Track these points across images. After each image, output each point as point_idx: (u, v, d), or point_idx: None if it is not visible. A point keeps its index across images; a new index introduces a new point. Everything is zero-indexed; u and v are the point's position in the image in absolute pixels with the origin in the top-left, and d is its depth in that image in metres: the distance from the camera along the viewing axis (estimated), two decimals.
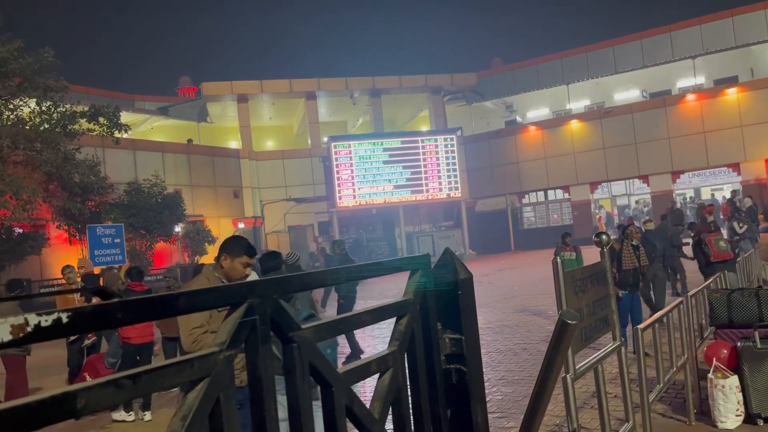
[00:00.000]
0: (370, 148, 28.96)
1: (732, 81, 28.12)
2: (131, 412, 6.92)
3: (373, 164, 28.84)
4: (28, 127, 18.16)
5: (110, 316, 0.84)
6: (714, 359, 5.09)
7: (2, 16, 17.44)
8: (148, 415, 6.93)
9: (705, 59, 28.49)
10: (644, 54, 32.41)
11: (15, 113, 18.28)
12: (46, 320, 0.76)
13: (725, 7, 31.21)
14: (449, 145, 29.58)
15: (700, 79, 30.01)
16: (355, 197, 28.59)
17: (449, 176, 29.56)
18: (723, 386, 4.88)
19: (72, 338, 7.88)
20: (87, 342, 8.41)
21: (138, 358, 7.03)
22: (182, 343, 3.59)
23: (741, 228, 14.78)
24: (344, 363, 8.79)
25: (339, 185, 28.35)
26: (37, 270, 19.92)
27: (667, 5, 66.93)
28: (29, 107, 18.68)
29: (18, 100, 18.30)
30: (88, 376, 7.47)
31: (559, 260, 3.34)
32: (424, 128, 34.33)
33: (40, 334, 0.76)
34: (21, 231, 19.25)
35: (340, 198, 28.33)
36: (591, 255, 12.94)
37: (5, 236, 18.48)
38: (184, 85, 40.31)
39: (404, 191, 29.06)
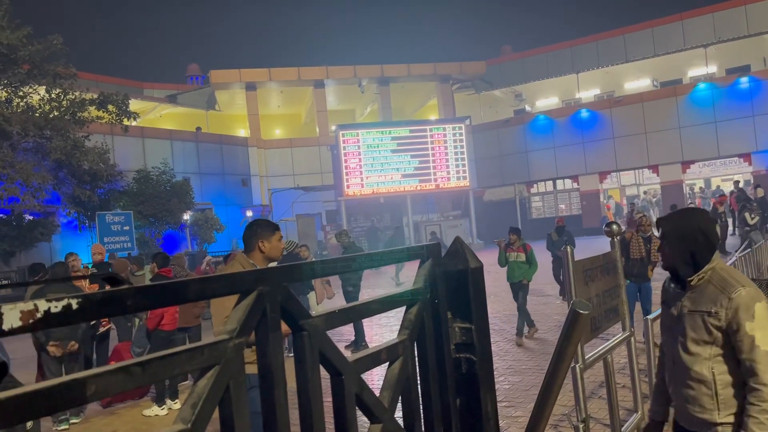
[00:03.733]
0: (379, 137, 28.86)
1: (744, 70, 27.78)
2: (164, 407, 6.72)
3: (381, 153, 28.74)
4: (37, 115, 18.25)
5: (121, 302, 0.84)
6: None
7: (10, 2, 17.46)
8: (177, 404, 6.76)
9: (717, 48, 28.16)
10: (655, 42, 32.09)
11: (25, 100, 18.37)
12: (56, 306, 0.75)
13: None
14: (458, 134, 29.42)
15: (712, 68, 29.70)
16: (363, 186, 28.53)
17: (457, 165, 29.42)
18: None
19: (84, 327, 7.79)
20: (102, 330, 8.21)
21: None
22: (215, 332, 3.63)
23: (753, 219, 14.67)
24: (347, 348, 8.85)
25: (347, 174, 28.29)
26: (47, 256, 20.03)
27: None
28: (39, 94, 18.75)
29: (27, 88, 18.38)
30: None
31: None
32: (433, 117, 34.18)
33: (50, 320, 0.75)
34: (31, 218, 19.40)
35: (348, 187, 28.29)
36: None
37: (15, 223, 18.64)
38: (193, 73, 40.30)
39: (412, 180, 28.97)
